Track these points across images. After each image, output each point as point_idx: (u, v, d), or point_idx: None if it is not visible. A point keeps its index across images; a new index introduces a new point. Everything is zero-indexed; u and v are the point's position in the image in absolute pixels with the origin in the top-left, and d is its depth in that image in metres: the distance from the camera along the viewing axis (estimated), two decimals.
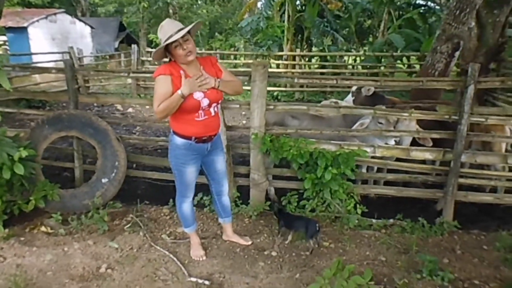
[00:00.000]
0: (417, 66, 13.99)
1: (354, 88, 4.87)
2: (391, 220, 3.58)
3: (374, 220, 3.52)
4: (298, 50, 13.17)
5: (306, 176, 3.44)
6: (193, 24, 2.45)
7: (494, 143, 4.05)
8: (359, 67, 14.94)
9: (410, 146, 3.67)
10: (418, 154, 3.54)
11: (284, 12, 13.97)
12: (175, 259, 2.85)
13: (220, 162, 2.83)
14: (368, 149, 3.53)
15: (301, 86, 11.64)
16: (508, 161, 3.45)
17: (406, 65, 13.96)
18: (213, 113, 2.57)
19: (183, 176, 2.66)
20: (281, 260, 2.86)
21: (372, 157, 3.69)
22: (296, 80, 3.57)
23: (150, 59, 12.41)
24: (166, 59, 2.53)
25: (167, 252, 2.94)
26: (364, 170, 4.11)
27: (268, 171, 3.87)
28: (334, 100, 4.66)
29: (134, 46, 11.13)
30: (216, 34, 26.58)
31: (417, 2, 15.87)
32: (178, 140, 2.56)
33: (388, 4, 15.19)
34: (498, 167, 4.02)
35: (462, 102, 3.30)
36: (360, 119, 3.67)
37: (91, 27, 23.15)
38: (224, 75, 2.62)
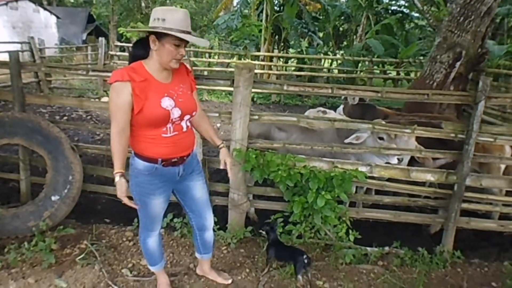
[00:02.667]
0: (393, 73, 13.98)
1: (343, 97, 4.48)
2: (387, 248, 3.19)
3: (369, 249, 3.11)
4: (275, 50, 12.75)
5: (295, 200, 2.98)
6: (201, 40, 2.17)
7: (492, 164, 3.75)
8: (335, 71, 14.75)
9: (409, 166, 3.29)
10: (419, 175, 3.15)
11: (261, 11, 13.54)
12: None
13: (198, 189, 2.28)
14: (364, 168, 3.12)
15: None
16: None
17: (381, 72, 13.87)
18: (184, 128, 2.05)
19: (148, 209, 2.11)
20: None
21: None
22: (285, 87, 3.11)
23: (119, 53, 11.65)
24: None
25: None
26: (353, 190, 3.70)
27: (249, 190, 3.39)
28: (322, 109, 4.23)
29: (101, 39, 10.32)
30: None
31: (395, 8, 15.89)
32: (141, 164, 2.01)
33: (366, 9, 15.10)
34: (495, 191, 3.73)
35: (471, 120, 2.95)
36: (356, 132, 3.24)
37: (57, 17, 21.86)
38: (195, 92, 2.20)
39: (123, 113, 1.86)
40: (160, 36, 1.85)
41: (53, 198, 3.13)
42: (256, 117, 3.12)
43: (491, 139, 3.01)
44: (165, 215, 2.76)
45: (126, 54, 12.39)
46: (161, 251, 2.37)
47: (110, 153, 3.87)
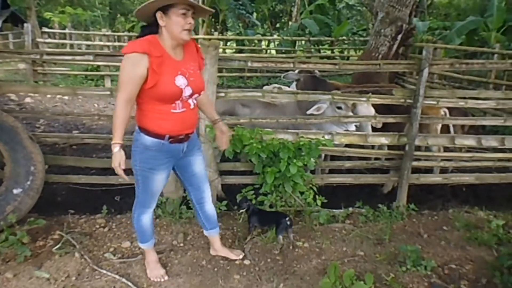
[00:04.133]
0: (328, 52, 14.57)
1: (297, 71, 4.67)
2: (351, 209, 3.48)
3: (336, 211, 3.37)
4: (216, 33, 12.67)
5: (267, 171, 3.12)
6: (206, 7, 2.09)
7: (431, 125, 4.19)
8: (273, 51, 14.97)
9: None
10: (375, 139, 3.46)
11: None
12: (130, 284, 2.32)
13: (198, 164, 2.34)
14: (326, 137, 3.35)
15: (220, 71, 11.21)
16: (455, 142, 3.55)
17: (316, 50, 14.37)
18: (192, 106, 2.11)
19: (149, 184, 2.13)
20: (257, 269, 2.52)
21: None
22: (250, 64, 3.20)
23: (47, 40, 10.83)
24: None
25: (117, 276, 2.39)
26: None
27: (218, 166, 3.47)
28: (277, 86, 4.39)
29: (27, 26, 9.54)
30: (119, 15, 24.59)
31: None
32: (148, 140, 2.03)
33: None
34: (435, 149, 4.19)
35: (417, 85, 3.28)
36: (317, 103, 3.45)
37: None
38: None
39: (135, 85, 1.87)
40: (166, 9, 1.86)
41: (15, 191, 2.96)
42: (223, 94, 3.20)
43: (434, 102, 3.39)
44: None
45: (56, 41, 11.55)
46: (152, 228, 2.40)
47: (71, 140, 3.73)
